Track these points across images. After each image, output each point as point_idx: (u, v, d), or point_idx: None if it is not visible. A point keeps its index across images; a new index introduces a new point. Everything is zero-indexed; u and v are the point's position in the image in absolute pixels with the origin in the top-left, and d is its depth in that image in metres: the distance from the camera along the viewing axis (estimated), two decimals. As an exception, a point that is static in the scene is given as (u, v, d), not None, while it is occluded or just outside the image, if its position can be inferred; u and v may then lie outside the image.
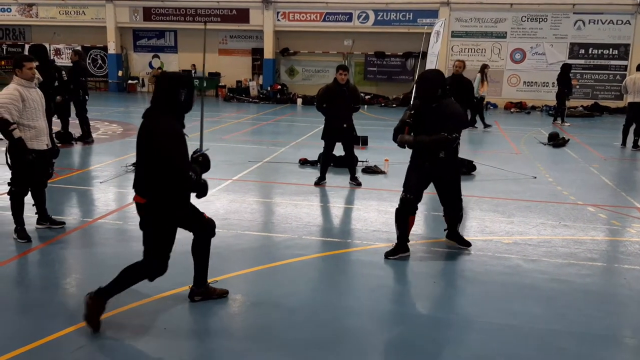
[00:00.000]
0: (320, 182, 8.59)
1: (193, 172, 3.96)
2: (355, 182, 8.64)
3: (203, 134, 4.74)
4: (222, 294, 4.57)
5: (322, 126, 8.63)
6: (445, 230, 6.01)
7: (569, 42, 21.99)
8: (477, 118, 15.76)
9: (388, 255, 5.55)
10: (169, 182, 3.91)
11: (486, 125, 15.76)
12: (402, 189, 5.59)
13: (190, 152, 4.11)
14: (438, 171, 5.57)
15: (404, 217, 5.57)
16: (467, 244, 5.91)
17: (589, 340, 4.10)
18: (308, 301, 4.61)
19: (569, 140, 13.37)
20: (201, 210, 4.31)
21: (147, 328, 4.13)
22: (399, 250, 5.59)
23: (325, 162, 8.70)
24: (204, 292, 4.49)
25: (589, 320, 4.42)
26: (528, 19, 22.09)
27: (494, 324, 4.30)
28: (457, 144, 5.50)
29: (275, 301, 4.58)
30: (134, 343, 3.97)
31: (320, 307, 4.51)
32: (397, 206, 5.62)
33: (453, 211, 5.82)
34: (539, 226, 6.80)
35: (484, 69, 16.19)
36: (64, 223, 6.33)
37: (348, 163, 8.76)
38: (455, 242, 5.94)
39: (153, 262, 4.09)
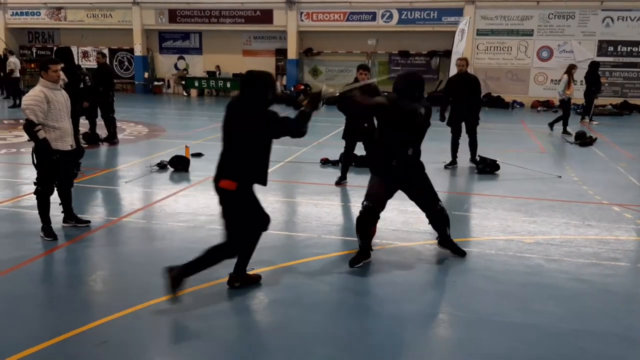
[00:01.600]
0: (341, 181, 8.61)
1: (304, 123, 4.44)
2: None
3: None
4: (257, 280, 4.85)
5: (344, 126, 8.63)
6: (436, 238, 5.76)
7: (597, 40, 21.58)
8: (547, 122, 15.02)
9: (352, 263, 5.26)
10: (261, 165, 4.45)
11: (566, 132, 14.21)
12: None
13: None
14: (405, 171, 5.33)
15: (365, 227, 5.33)
16: (462, 253, 5.60)
17: (610, 340, 4.04)
18: (326, 300, 4.64)
19: (596, 139, 13.14)
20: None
21: (167, 325, 4.21)
22: (362, 258, 5.35)
23: (346, 162, 8.71)
24: (242, 280, 4.76)
25: (610, 320, 4.36)
26: (555, 16, 21.75)
27: (514, 324, 4.27)
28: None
29: (294, 299, 4.62)
30: (154, 339, 4.05)
31: (338, 306, 4.53)
32: (358, 215, 5.36)
33: (434, 214, 5.49)
34: (562, 226, 6.71)
35: (570, 69, 14.63)
36: (89, 222, 6.47)
37: (369, 163, 8.75)
38: (449, 250, 5.64)
39: (238, 241, 4.53)
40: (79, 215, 6.45)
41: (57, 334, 3.95)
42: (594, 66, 16.93)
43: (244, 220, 4.51)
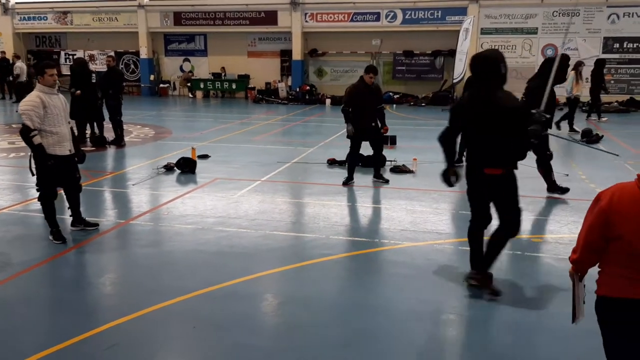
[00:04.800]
0: (348, 182, 8.61)
1: (532, 137, 4.46)
2: (382, 180, 8.66)
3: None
4: (495, 292, 4.72)
5: (349, 127, 8.62)
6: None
7: (603, 37, 21.49)
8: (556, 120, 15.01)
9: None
10: (522, 149, 4.53)
11: (572, 130, 14.51)
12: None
13: None
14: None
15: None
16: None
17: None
18: (335, 301, 4.65)
19: (602, 136, 13.08)
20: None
21: (176, 327, 4.22)
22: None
23: (353, 162, 8.72)
24: (481, 279, 4.78)
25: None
26: (560, 13, 21.67)
27: (525, 324, 4.26)
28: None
29: (303, 300, 4.62)
30: (163, 341, 4.06)
31: (347, 307, 4.53)
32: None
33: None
34: (571, 224, 6.69)
35: (577, 66, 14.67)
36: (97, 224, 6.50)
37: (375, 162, 8.76)
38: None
39: (519, 218, 4.68)
40: (87, 219, 6.48)
41: (68, 337, 3.97)
42: (599, 64, 16.87)
43: (516, 195, 4.71)
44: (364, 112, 8.34)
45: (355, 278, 5.16)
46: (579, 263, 2.71)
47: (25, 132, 5.64)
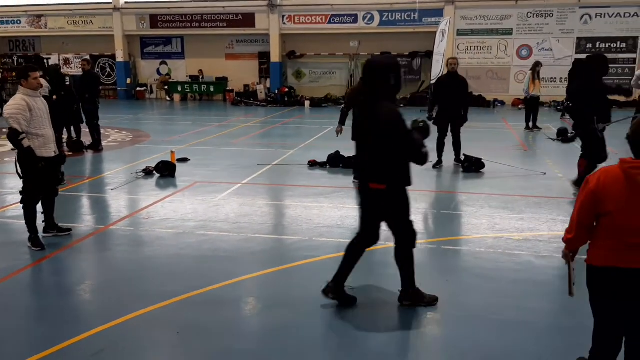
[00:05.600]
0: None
1: (418, 148, 4.15)
2: None
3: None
4: (432, 301, 4.56)
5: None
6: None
7: (576, 37, 21.86)
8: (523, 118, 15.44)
9: None
10: (404, 164, 4.20)
11: (535, 127, 15.08)
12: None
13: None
14: None
15: None
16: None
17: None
18: (319, 303, 4.64)
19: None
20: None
21: (160, 332, 4.18)
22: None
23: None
24: (412, 296, 4.54)
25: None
26: (534, 14, 22.00)
27: (508, 321, 4.31)
28: None
29: (287, 303, 4.61)
30: (148, 347, 4.02)
31: (331, 309, 4.53)
32: None
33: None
34: (550, 222, 6.79)
35: (535, 67, 15.25)
36: (70, 230, 6.41)
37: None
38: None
39: (412, 230, 4.40)
40: (60, 224, 6.38)
41: (52, 344, 3.91)
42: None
43: (405, 213, 4.40)
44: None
45: (338, 279, 5.16)
46: (574, 241, 3.11)
47: (14, 136, 5.60)
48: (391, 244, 5.66)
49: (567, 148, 12.16)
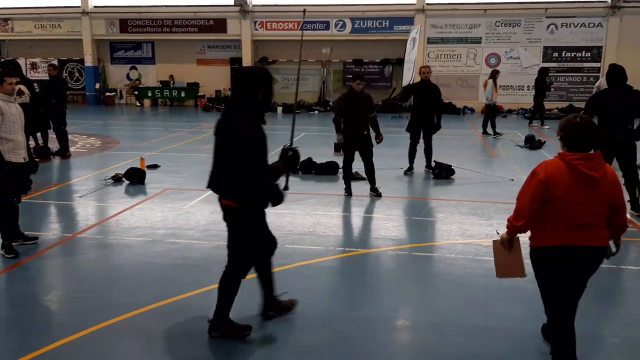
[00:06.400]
0: (347, 193, 8.49)
1: (269, 176, 3.87)
2: (376, 193, 8.40)
3: (294, 130, 4.57)
4: (244, 331, 4.18)
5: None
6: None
7: (543, 46, 22.36)
8: (482, 125, 15.78)
9: None
10: (260, 183, 3.85)
11: (496, 133, 15.38)
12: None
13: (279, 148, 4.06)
14: None
15: None
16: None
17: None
18: (293, 310, 4.63)
19: (545, 142, 13.58)
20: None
21: (129, 342, 4.12)
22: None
23: (348, 173, 8.52)
24: (222, 328, 4.14)
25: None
26: (502, 24, 22.43)
27: (475, 326, 4.36)
28: None
29: (256, 311, 4.58)
30: (118, 357, 3.96)
31: (304, 315, 4.53)
32: None
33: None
34: (518, 228, 6.89)
35: (494, 75, 15.65)
36: (37, 238, 6.29)
37: (368, 173, 8.52)
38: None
39: (247, 261, 4.07)
40: (26, 233, 6.24)
41: (16, 356, 3.81)
42: (542, 72, 17.58)
43: (251, 240, 4.08)
44: (355, 121, 8.22)
45: (309, 286, 5.15)
46: (525, 226, 3.46)
47: None
48: (358, 252, 5.69)
49: (535, 155, 12.41)
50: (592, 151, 3.38)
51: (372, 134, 8.47)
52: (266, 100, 3.94)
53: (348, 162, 8.48)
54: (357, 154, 8.49)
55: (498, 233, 3.89)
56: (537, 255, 3.47)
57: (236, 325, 4.13)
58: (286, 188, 4.17)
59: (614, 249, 3.56)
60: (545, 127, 17.32)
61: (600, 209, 3.34)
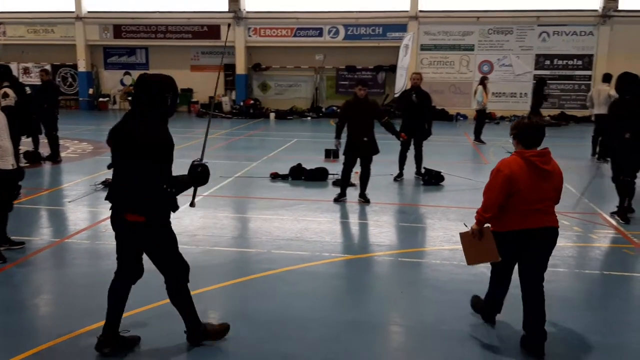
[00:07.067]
0: (340, 198, 8.49)
1: (170, 185, 3.72)
2: (364, 199, 8.41)
3: (206, 142, 4.40)
4: (222, 331, 4.19)
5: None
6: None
7: (535, 54, 22.52)
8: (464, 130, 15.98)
9: None
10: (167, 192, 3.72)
11: (479, 140, 15.53)
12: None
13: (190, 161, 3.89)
14: None
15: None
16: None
17: (555, 343, 4.21)
18: (276, 314, 4.65)
19: (535, 149, 13.64)
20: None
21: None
22: None
23: (346, 178, 8.55)
24: (200, 336, 4.08)
25: (548, 324, 4.54)
26: (494, 31, 22.59)
27: (458, 332, 4.39)
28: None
29: (244, 316, 4.61)
30: (101, 362, 3.97)
31: (288, 320, 4.55)
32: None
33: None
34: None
35: (484, 80, 15.91)
36: (23, 243, 6.27)
37: (362, 179, 8.54)
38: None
39: (183, 263, 3.95)
40: (12, 237, 6.23)
41: (5, 358, 3.82)
42: (541, 82, 17.86)
43: (173, 252, 3.96)
44: (357, 126, 8.26)
45: (295, 291, 5.17)
46: (492, 217, 4.06)
47: None
48: (345, 257, 5.71)
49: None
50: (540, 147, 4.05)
51: (377, 139, 8.47)
52: (173, 108, 3.83)
53: (348, 166, 8.51)
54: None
55: (466, 225, 4.39)
56: (499, 238, 4.08)
57: (213, 328, 4.15)
58: (192, 204, 4.06)
59: None
60: None
61: (552, 195, 4.05)
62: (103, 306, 4.51)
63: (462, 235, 4.36)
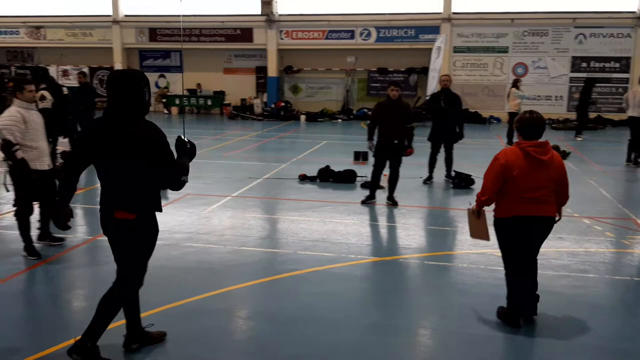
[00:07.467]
0: (368, 200, 8.49)
1: (185, 173, 3.82)
2: (392, 202, 8.40)
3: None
4: (160, 337, 4.19)
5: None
6: None
7: (571, 56, 22.10)
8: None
9: None
10: (157, 192, 3.79)
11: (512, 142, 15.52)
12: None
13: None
14: None
15: None
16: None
17: (581, 351, 4.15)
18: (300, 315, 4.69)
19: (570, 153, 13.41)
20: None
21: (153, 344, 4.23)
22: None
23: (375, 180, 8.53)
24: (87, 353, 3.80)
25: (576, 330, 4.47)
26: (529, 33, 22.24)
27: (481, 336, 4.36)
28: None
29: (269, 315, 4.66)
30: (128, 356, 4.06)
31: (312, 321, 4.58)
32: None
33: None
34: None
35: (516, 82, 15.78)
36: (63, 239, 6.48)
37: (390, 182, 8.52)
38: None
39: (136, 278, 3.92)
40: (53, 234, 6.45)
41: (35, 352, 3.98)
42: (590, 82, 17.47)
43: (146, 254, 3.93)
44: (388, 128, 8.26)
45: (320, 292, 5.21)
46: (489, 200, 4.47)
47: (7, 147, 5.65)
48: (370, 259, 5.70)
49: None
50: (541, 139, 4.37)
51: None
52: (149, 102, 3.76)
53: (379, 168, 8.47)
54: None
55: (470, 204, 4.82)
56: (499, 223, 4.48)
57: (98, 354, 3.80)
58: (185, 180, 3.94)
59: (557, 217, 4.54)
60: (578, 138, 17.03)
61: (548, 184, 4.31)
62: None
63: (468, 212, 4.83)
